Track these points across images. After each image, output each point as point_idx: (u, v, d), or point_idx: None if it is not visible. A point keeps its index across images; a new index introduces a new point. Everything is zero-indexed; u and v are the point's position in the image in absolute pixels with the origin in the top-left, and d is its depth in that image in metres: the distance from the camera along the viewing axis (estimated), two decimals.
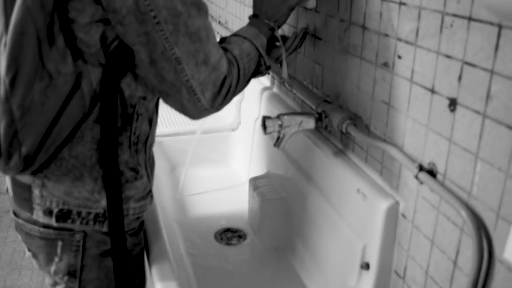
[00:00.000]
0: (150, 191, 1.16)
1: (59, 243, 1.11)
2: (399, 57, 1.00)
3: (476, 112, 0.80)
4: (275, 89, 1.78)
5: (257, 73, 1.18)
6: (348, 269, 1.18)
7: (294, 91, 1.48)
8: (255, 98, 1.90)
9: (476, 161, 0.82)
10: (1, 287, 2.73)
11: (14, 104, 0.93)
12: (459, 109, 0.84)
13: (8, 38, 0.90)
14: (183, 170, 1.95)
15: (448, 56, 0.86)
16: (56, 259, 1.13)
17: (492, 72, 0.76)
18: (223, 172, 2.05)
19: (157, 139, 1.81)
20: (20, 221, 1.12)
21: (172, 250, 1.26)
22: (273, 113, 1.30)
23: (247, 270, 1.53)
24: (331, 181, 1.28)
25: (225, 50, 1.10)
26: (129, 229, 1.14)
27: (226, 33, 2.30)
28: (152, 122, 1.13)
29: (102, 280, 1.17)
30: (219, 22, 2.52)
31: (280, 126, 1.19)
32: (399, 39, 0.99)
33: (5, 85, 0.92)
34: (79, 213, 1.07)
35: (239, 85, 1.11)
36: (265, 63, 1.17)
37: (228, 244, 1.64)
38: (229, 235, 1.69)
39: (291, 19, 1.54)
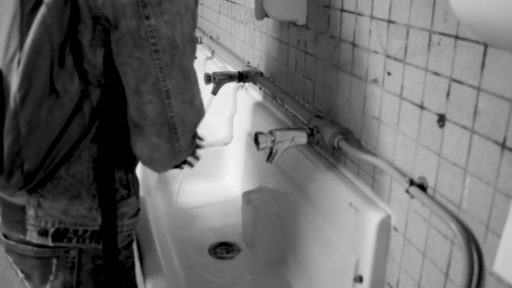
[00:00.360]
0: (139, 209, 1.17)
1: (54, 261, 1.10)
2: (389, 73, 1.02)
3: (464, 127, 0.83)
4: (267, 104, 1.80)
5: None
6: (341, 282, 1.20)
7: (286, 106, 1.49)
8: (247, 112, 1.92)
9: (465, 175, 0.84)
10: None
11: (22, 120, 0.93)
12: (447, 125, 0.87)
13: (23, 55, 0.91)
14: (176, 184, 1.96)
15: (436, 73, 0.88)
16: (51, 277, 1.12)
17: (479, 89, 0.79)
18: (216, 187, 2.06)
19: None
20: (12, 242, 1.10)
21: (166, 264, 1.27)
22: (265, 128, 1.32)
23: (241, 284, 1.54)
24: (323, 195, 1.29)
25: None
26: (122, 245, 1.14)
27: (218, 49, 2.33)
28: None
29: None
30: (211, 37, 2.54)
31: (273, 141, 1.21)
32: (388, 56, 1.02)
33: (15, 101, 0.92)
34: (75, 232, 1.07)
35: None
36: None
37: (222, 258, 1.65)
38: (223, 249, 1.69)
39: (282, 34, 1.57)
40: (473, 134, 0.81)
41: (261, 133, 1.21)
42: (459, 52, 0.82)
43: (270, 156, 1.23)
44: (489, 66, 0.76)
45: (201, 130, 1.81)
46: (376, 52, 1.06)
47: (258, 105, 1.81)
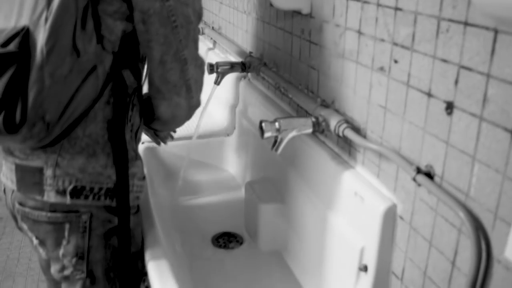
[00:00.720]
0: (145, 177, 1.28)
1: (67, 226, 1.18)
2: (396, 61, 1.02)
3: (473, 115, 0.82)
4: (270, 94, 1.79)
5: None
6: (346, 272, 1.20)
7: (290, 96, 1.49)
8: (249, 103, 1.91)
9: (474, 163, 0.83)
10: None
11: (47, 72, 1.02)
12: (456, 112, 0.86)
13: (50, 13, 1.01)
14: (179, 175, 1.95)
15: (445, 60, 0.87)
16: (64, 242, 1.20)
17: (488, 75, 0.78)
18: (219, 177, 2.06)
19: (152, 144, 1.82)
20: (27, 209, 1.19)
21: (170, 253, 1.27)
22: (269, 118, 1.31)
23: (245, 273, 1.54)
24: (328, 185, 1.29)
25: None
26: (132, 204, 1.24)
27: (219, 39, 2.32)
28: (141, 118, 1.27)
29: (109, 260, 1.25)
30: (213, 28, 2.53)
31: (278, 130, 1.20)
32: (395, 44, 1.01)
33: (42, 54, 1.01)
34: (91, 189, 1.16)
35: None
36: None
37: (225, 248, 1.65)
38: (226, 239, 1.69)
39: (286, 23, 1.56)
40: (482, 121, 0.80)
41: (266, 121, 1.20)
42: (468, 39, 0.82)
43: (275, 144, 1.23)
44: (499, 53, 0.76)
45: (203, 120, 1.81)
46: (382, 40, 1.05)
47: (261, 96, 1.81)
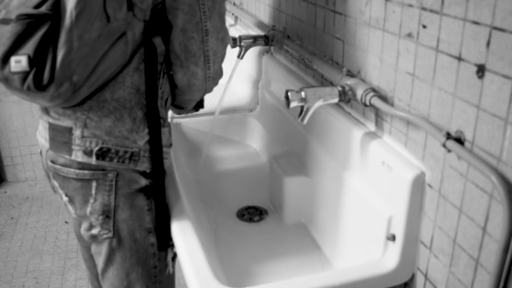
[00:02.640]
0: (171, 144, 1.34)
1: (94, 184, 1.24)
2: (424, 26, 1.00)
3: (506, 77, 0.80)
4: (293, 68, 1.78)
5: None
6: (373, 242, 1.19)
7: (315, 67, 1.47)
8: (273, 78, 1.90)
9: (506, 126, 0.81)
10: (23, 272, 2.77)
11: (75, 35, 1.06)
12: (487, 75, 0.84)
13: None
14: (203, 150, 1.96)
15: (476, 23, 0.85)
16: (91, 200, 1.26)
17: None
18: (243, 152, 2.06)
19: (175, 121, 1.83)
20: (58, 166, 1.25)
21: (195, 226, 1.27)
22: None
23: (270, 244, 1.54)
24: (354, 155, 1.28)
25: None
26: None
27: (241, 15, 2.30)
28: (171, 86, 1.31)
29: (135, 220, 1.30)
30: (234, 4, 2.51)
31: (303, 99, 1.19)
32: (424, 9, 0.99)
33: (71, 17, 1.05)
34: (117, 152, 1.22)
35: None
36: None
37: (250, 221, 1.66)
38: (252, 212, 1.70)
39: None
40: None
41: (292, 90, 1.19)
42: None
43: (301, 114, 1.22)
44: None
45: (227, 95, 1.81)
46: (410, 5, 1.03)
47: (284, 69, 1.79)
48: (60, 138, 1.23)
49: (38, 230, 3.16)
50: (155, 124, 1.24)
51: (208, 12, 1.20)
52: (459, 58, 0.91)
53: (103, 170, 1.23)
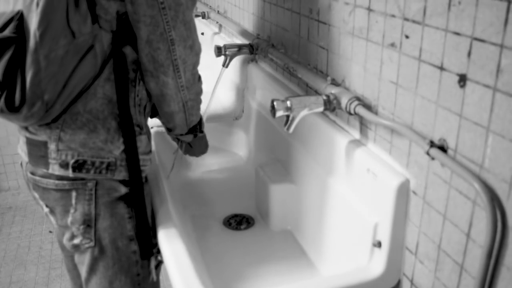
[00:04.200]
0: (150, 151, 1.34)
1: (73, 194, 1.25)
2: (407, 36, 1.02)
3: (487, 86, 0.82)
4: (278, 76, 1.79)
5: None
6: (359, 248, 1.21)
7: (299, 75, 1.49)
8: (258, 86, 1.91)
9: (488, 134, 0.83)
10: (7, 282, 2.74)
11: (42, 54, 1.07)
12: (469, 84, 0.86)
13: None
14: (189, 159, 1.96)
15: (457, 33, 0.87)
16: (72, 210, 1.27)
17: (502, 46, 0.78)
18: (229, 160, 2.06)
19: (161, 128, 1.83)
20: (37, 178, 1.27)
21: (182, 234, 1.28)
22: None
23: (257, 252, 1.55)
24: (340, 163, 1.30)
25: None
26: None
27: (225, 23, 2.32)
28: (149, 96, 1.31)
29: (116, 228, 1.30)
30: (218, 12, 2.52)
31: (289, 108, 1.21)
32: (406, 19, 1.01)
33: (35, 37, 1.06)
34: (93, 163, 1.23)
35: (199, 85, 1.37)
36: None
37: (237, 229, 1.66)
38: (238, 220, 1.70)
39: (294, 4, 1.56)
40: (496, 92, 0.80)
41: (277, 100, 1.20)
42: (481, 10, 0.82)
43: (286, 123, 1.23)
44: None
45: (212, 104, 1.81)
46: (393, 15, 1.05)
47: (269, 78, 1.81)
48: (36, 152, 1.24)
49: (22, 240, 3.13)
50: (129, 133, 1.24)
51: (171, 22, 1.18)
52: (441, 68, 0.93)
53: (82, 179, 1.24)
